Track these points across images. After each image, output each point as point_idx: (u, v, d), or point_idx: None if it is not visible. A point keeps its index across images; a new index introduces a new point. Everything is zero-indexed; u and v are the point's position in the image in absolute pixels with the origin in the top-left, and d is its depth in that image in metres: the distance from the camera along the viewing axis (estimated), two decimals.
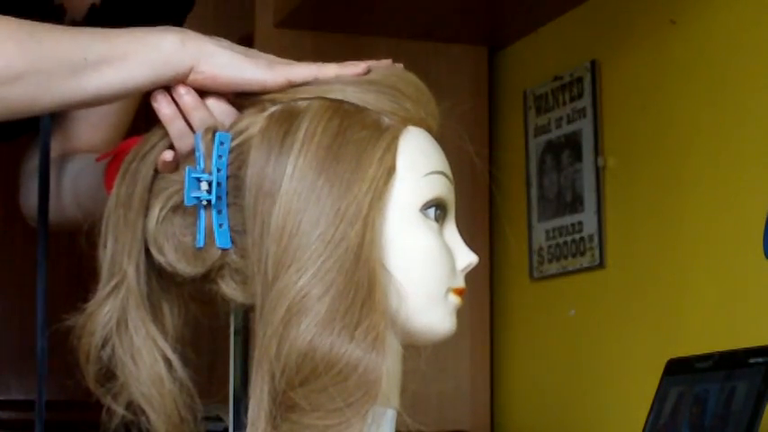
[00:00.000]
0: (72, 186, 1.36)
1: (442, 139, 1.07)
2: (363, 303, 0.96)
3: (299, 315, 0.95)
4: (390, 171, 1.01)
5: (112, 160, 1.21)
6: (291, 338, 0.95)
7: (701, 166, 1.99)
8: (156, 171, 1.04)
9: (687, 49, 2.04)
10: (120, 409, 1.02)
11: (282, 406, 0.95)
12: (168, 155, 1.03)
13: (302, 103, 1.03)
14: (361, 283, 0.96)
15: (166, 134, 1.05)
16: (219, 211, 1.01)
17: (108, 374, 1.03)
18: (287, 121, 1.01)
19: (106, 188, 1.20)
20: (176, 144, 1.04)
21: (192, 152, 1.04)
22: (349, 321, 0.95)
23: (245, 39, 2.60)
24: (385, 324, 0.96)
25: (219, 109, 1.05)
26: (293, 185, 0.98)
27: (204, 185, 1.00)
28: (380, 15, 2.41)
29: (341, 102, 1.02)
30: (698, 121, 2.00)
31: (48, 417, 1.30)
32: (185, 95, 1.05)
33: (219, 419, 2.52)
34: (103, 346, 1.02)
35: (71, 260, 1.11)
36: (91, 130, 1.43)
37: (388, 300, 0.98)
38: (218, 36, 1.13)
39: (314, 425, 0.94)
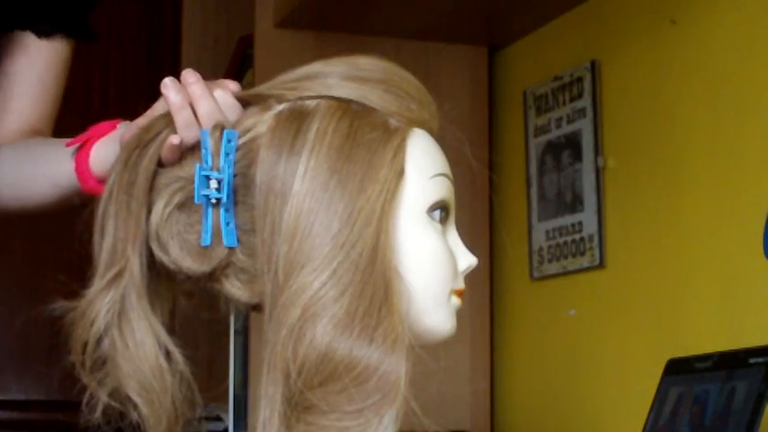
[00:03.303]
0: (17, 171, 1.34)
1: (441, 139, 1.07)
2: (381, 306, 0.96)
3: (315, 317, 0.95)
4: (400, 173, 1.01)
5: (82, 146, 1.19)
6: (308, 339, 0.95)
7: (701, 166, 1.99)
8: (159, 161, 1.04)
9: (687, 49, 2.04)
10: (115, 405, 1.01)
11: (298, 407, 0.95)
12: (176, 138, 1.03)
13: (310, 103, 1.03)
14: (378, 286, 0.97)
15: (169, 123, 1.04)
16: (227, 210, 1.01)
17: (97, 365, 1.02)
18: (297, 120, 1.01)
19: (77, 174, 1.19)
20: (181, 134, 1.03)
21: (195, 147, 1.03)
22: (368, 323, 0.96)
23: (246, 39, 2.61)
24: (403, 326, 0.97)
25: (225, 102, 1.05)
26: (305, 186, 0.98)
27: (213, 183, 1.00)
28: (380, 15, 2.41)
29: (348, 102, 1.02)
30: (698, 121, 2.01)
31: (48, 417, 1.30)
32: (194, 84, 1.04)
33: (219, 419, 2.52)
34: (100, 336, 1.01)
35: (72, 258, 1.11)
36: (30, 108, 1.43)
37: (402, 302, 0.98)
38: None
39: (331, 426, 0.94)
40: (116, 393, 1.01)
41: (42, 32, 1.42)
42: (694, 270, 1.99)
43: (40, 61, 1.44)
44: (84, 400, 1.01)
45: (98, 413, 1.01)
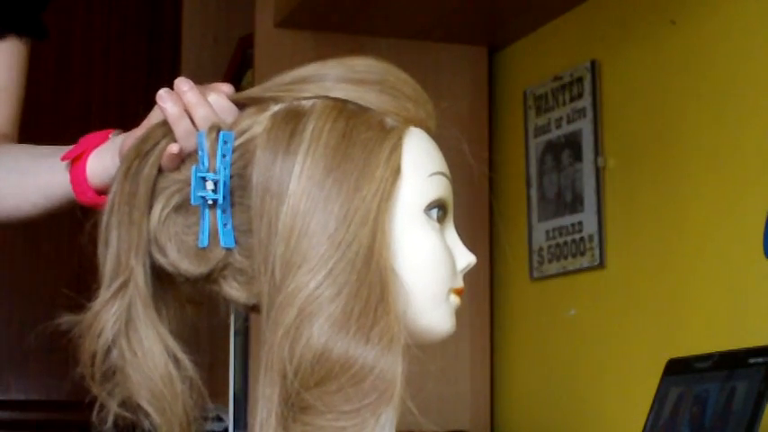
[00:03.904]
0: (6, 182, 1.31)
1: (441, 139, 1.07)
2: (377, 305, 0.96)
3: (311, 316, 0.95)
4: (396, 172, 1.01)
5: (77, 158, 1.18)
6: (305, 339, 0.95)
7: (702, 166, 1.99)
8: (159, 169, 1.04)
9: (687, 49, 2.04)
10: (125, 414, 1.01)
11: (295, 407, 0.95)
12: (175, 147, 1.03)
13: (306, 103, 1.03)
14: (374, 285, 0.97)
15: (168, 132, 1.05)
16: (224, 211, 1.01)
17: (107, 375, 1.02)
18: (292, 120, 1.01)
19: (73, 186, 1.18)
20: (181, 144, 1.04)
21: (193, 152, 1.03)
22: (363, 323, 0.95)
23: (246, 39, 2.61)
24: (399, 326, 0.97)
25: (220, 106, 1.05)
26: (301, 186, 0.98)
27: (210, 185, 1.00)
28: (380, 15, 2.41)
29: (344, 102, 1.02)
30: (698, 121, 2.00)
31: (48, 417, 1.30)
32: (188, 92, 1.04)
33: (219, 419, 2.52)
34: (109, 347, 1.01)
35: (72, 258, 1.11)
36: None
37: (398, 301, 0.98)
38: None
39: (328, 426, 0.94)
40: (128, 403, 1.01)
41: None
42: (694, 270, 1.99)
43: None
44: (95, 411, 1.01)
45: (110, 423, 1.01)
